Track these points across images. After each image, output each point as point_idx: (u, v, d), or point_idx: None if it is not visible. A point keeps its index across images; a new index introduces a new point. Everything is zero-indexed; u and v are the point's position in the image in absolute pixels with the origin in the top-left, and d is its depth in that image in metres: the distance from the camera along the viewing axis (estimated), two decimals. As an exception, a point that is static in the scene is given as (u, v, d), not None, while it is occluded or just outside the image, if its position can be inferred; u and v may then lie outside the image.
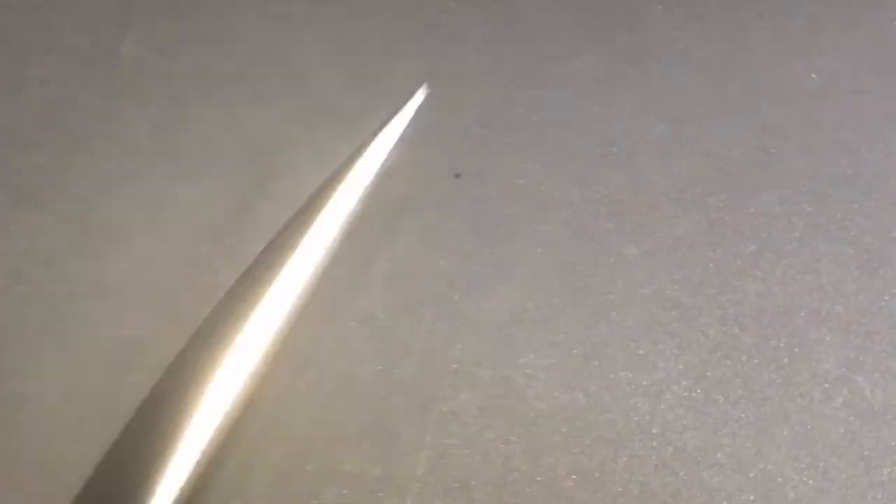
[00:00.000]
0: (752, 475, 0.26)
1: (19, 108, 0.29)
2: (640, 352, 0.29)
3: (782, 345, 0.28)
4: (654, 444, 0.27)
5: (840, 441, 0.27)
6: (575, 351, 0.29)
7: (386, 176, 0.30)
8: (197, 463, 0.21)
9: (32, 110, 0.29)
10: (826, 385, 0.28)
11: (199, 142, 0.29)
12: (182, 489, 0.21)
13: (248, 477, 0.25)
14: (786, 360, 0.28)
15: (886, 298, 0.29)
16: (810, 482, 0.25)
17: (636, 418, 0.27)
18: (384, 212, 0.30)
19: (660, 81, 0.33)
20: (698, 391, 0.28)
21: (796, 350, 0.28)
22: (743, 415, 0.27)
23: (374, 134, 0.27)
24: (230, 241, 0.28)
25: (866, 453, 0.26)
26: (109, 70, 0.29)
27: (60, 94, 0.29)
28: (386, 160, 0.26)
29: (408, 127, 0.31)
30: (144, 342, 0.26)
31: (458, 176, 0.30)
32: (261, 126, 0.30)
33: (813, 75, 0.34)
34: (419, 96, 0.28)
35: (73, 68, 0.29)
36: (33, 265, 0.27)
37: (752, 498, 0.25)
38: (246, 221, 0.29)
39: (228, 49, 0.30)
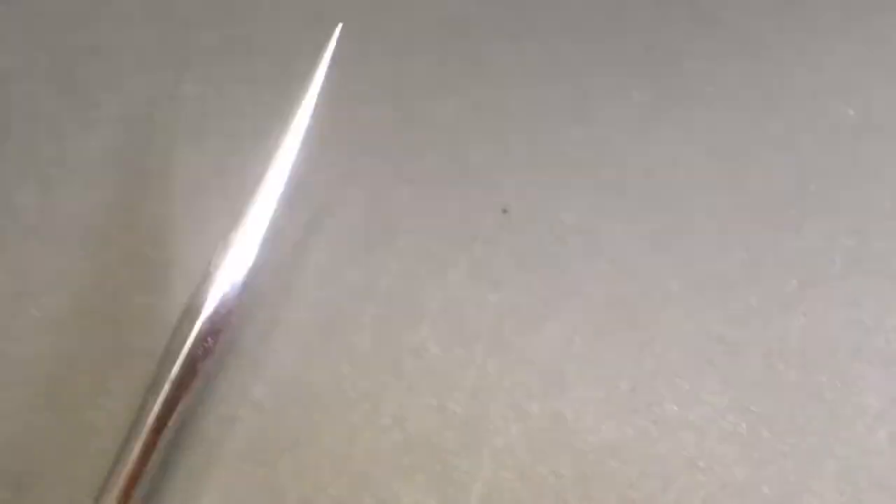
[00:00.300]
0: (797, 508, 0.27)
1: (87, 147, 0.30)
2: (686, 386, 0.29)
3: (825, 379, 0.29)
4: (702, 477, 0.27)
5: (884, 474, 0.28)
6: (622, 385, 0.29)
7: (434, 212, 0.31)
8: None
9: (99, 149, 0.31)
10: (869, 419, 0.28)
11: (254, 181, 0.30)
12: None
13: None
14: (829, 395, 0.29)
15: (929, 334, 0.29)
16: (856, 516, 0.26)
17: (683, 452, 0.28)
18: (434, 247, 0.31)
19: (702, 118, 0.34)
20: (743, 425, 0.29)
21: (839, 384, 0.29)
22: (787, 449, 0.28)
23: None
24: (286, 278, 0.30)
25: (911, 488, 0.27)
26: (170, 109, 0.30)
27: (125, 133, 0.30)
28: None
29: (455, 162, 0.32)
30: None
31: (505, 211, 0.31)
32: (313, 163, 0.31)
33: (850, 111, 0.35)
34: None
35: (136, 108, 0.30)
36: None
37: (799, 531, 0.26)
38: (301, 255, 0.30)
39: (284, 88, 0.31)
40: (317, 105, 0.28)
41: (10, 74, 0.30)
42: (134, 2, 0.32)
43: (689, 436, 0.28)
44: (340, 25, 0.27)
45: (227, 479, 0.26)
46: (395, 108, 0.32)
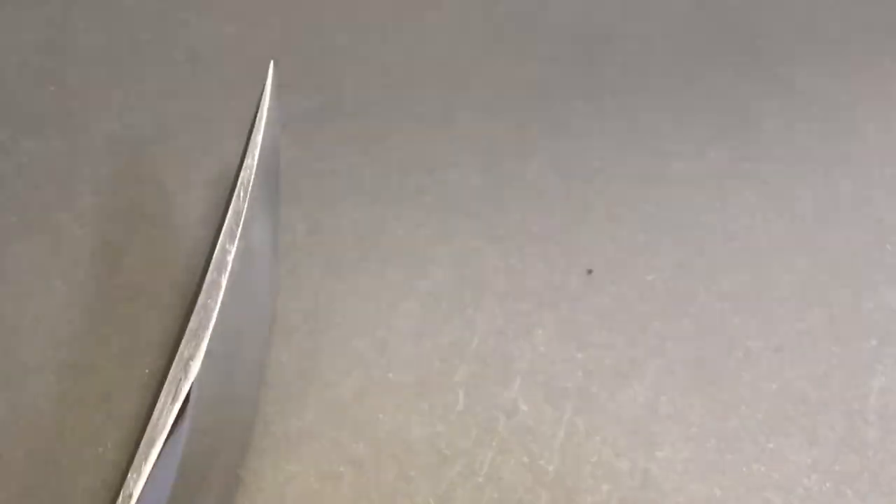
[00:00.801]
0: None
1: (186, 207, 0.32)
2: (771, 445, 0.31)
3: (906, 438, 0.30)
4: (789, 537, 0.28)
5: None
6: (708, 444, 0.31)
7: (522, 272, 0.32)
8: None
9: (197, 209, 0.33)
10: (952, 478, 0.29)
11: (351, 240, 0.32)
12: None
13: None
14: (912, 455, 0.30)
15: None
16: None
17: (771, 512, 0.29)
18: (521, 306, 0.32)
19: (778, 178, 0.35)
20: (828, 485, 0.30)
21: (920, 444, 0.30)
22: (871, 508, 0.29)
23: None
24: (381, 335, 0.31)
25: None
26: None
27: (220, 193, 0.32)
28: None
29: (540, 222, 0.33)
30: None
31: (590, 272, 0.33)
32: (405, 223, 0.32)
33: (924, 169, 0.36)
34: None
35: (231, 169, 0.32)
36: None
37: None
38: (395, 317, 0.32)
39: (374, 150, 0.32)
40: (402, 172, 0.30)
41: (117, 138, 0.32)
42: (233, 72, 0.33)
43: (775, 495, 0.29)
44: (272, 63, 0.28)
45: None
46: (482, 169, 0.34)
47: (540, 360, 0.31)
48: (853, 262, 0.34)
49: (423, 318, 0.32)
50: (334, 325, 0.31)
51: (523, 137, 0.34)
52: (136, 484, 0.21)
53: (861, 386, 0.31)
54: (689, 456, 0.30)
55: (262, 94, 0.27)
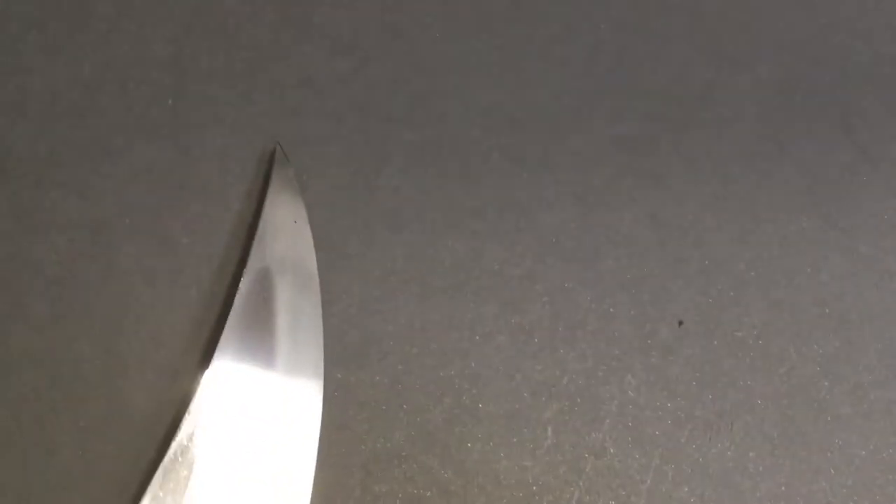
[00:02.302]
0: None
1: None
2: (860, 512, 0.31)
3: None
4: None
5: None
6: (797, 505, 0.31)
7: (613, 316, 0.34)
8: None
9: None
10: None
11: (447, 270, 0.34)
12: None
13: None
14: None
15: None
16: None
17: (860, 579, 0.30)
18: (613, 350, 0.33)
19: (869, 247, 0.37)
20: (916, 555, 0.30)
21: None
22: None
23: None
24: (473, 365, 0.33)
25: None
26: (370, 198, 0.34)
27: (327, 216, 0.34)
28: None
29: (633, 270, 0.35)
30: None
31: (681, 324, 0.34)
32: (500, 259, 0.34)
33: None
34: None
35: (339, 195, 0.34)
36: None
37: None
38: (487, 349, 0.33)
39: (472, 186, 0.35)
40: (500, 210, 0.32)
41: (228, 153, 0.35)
42: (342, 98, 0.36)
43: (863, 563, 0.30)
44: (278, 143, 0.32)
45: None
46: (577, 216, 0.36)
47: (629, 404, 0.33)
48: (944, 335, 0.35)
49: (514, 352, 0.33)
50: (427, 351, 0.32)
51: (618, 189, 0.37)
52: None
53: (951, 459, 0.32)
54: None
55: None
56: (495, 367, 0.32)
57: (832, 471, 0.32)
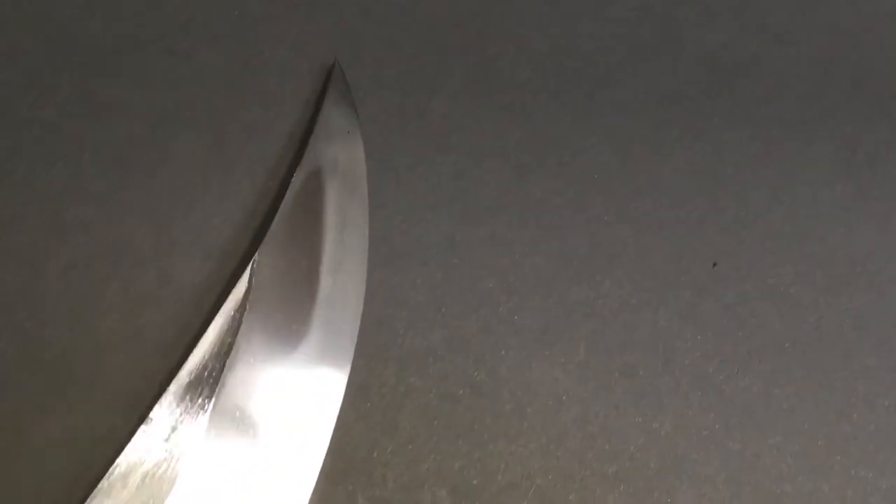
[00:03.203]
0: None
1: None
2: (880, 457, 0.33)
3: None
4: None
5: None
6: (819, 443, 0.33)
7: (650, 251, 0.36)
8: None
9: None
10: None
11: (491, 191, 0.35)
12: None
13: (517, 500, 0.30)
14: None
15: None
16: None
17: (875, 516, 0.31)
18: (648, 283, 0.35)
19: (901, 217, 0.39)
20: (936, 503, 0.32)
21: None
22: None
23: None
24: (511, 281, 0.34)
25: None
26: (420, 121, 0.37)
27: (378, 133, 0.36)
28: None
29: (673, 212, 0.37)
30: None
31: (715, 265, 0.36)
32: (543, 188, 0.36)
33: None
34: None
35: (391, 114, 0.36)
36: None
37: None
38: (526, 268, 0.35)
39: (520, 120, 0.37)
40: (545, 145, 0.34)
41: (288, 64, 0.37)
42: (400, 28, 0.38)
43: (880, 502, 0.32)
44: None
45: (441, 453, 0.30)
46: (619, 159, 0.38)
47: (660, 333, 0.34)
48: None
49: (552, 274, 0.35)
50: (467, 263, 0.34)
51: (661, 139, 0.39)
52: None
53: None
54: (799, 450, 0.32)
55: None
56: (532, 285, 0.34)
57: (854, 415, 0.33)
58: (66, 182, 0.32)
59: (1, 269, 0.30)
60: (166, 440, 0.26)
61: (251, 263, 0.29)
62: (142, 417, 0.27)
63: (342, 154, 0.34)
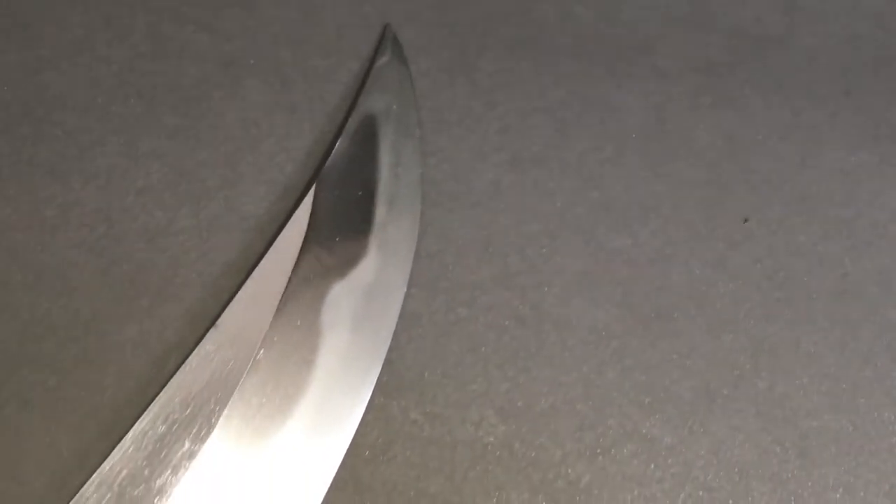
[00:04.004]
0: None
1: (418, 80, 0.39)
2: (898, 397, 0.35)
3: None
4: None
5: None
6: (844, 386, 0.35)
7: (684, 204, 0.38)
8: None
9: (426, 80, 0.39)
10: None
11: (533, 145, 0.38)
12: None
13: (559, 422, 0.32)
14: None
15: None
16: None
17: (900, 453, 0.33)
18: (681, 235, 0.38)
19: (922, 188, 0.41)
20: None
21: None
22: None
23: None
24: (552, 226, 0.36)
25: None
26: (468, 78, 0.39)
27: (428, 86, 0.38)
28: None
29: (706, 171, 0.39)
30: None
31: (746, 221, 0.39)
32: (581, 142, 0.39)
33: None
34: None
35: (441, 70, 0.39)
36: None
37: None
38: (567, 215, 0.37)
39: (561, 81, 0.39)
40: (586, 104, 0.37)
41: (345, 23, 0.40)
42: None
43: (901, 443, 0.34)
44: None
45: (488, 377, 0.33)
46: (654, 118, 0.40)
47: (695, 281, 0.36)
48: None
49: (591, 222, 0.37)
50: (512, 209, 0.36)
51: (694, 104, 0.41)
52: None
53: None
54: (825, 391, 0.34)
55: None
56: (573, 231, 0.36)
57: (878, 363, 0.36)
58: (141, 115, 0.35)
59: (82, 189, 0.33)
60: (231, 344, 0.28)
61: (311, 190, 0.32)
62: (210, 325, 0.29)
63: (395, 103, 0.36)
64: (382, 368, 0.31)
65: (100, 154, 0.33)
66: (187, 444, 0.25)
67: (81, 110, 0.34)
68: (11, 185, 0.32)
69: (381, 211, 0.32)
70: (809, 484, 0.31)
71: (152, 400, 0.27)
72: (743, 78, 0.41)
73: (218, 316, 0.29)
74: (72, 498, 0.25)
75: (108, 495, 0.24)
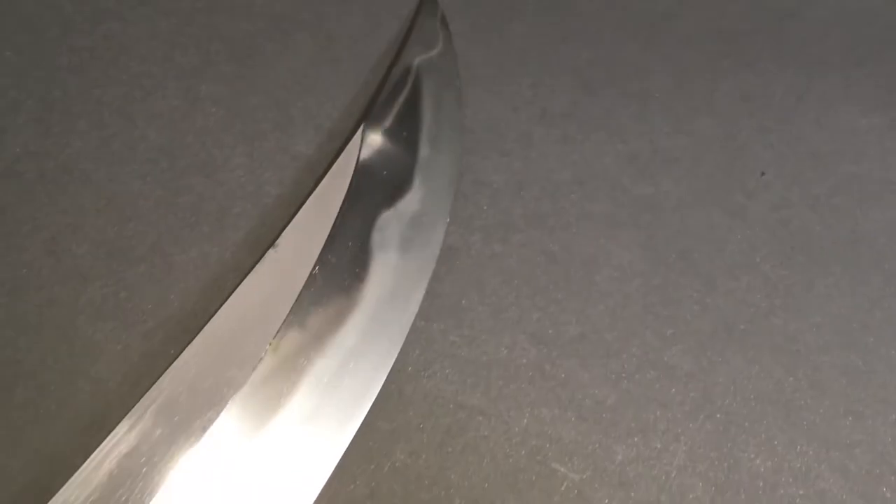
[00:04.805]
0: None
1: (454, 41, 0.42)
2: (909, 341, 0.37)
3: None
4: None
5: None
6: (854, 325, 0.37)
7: (703, 157, 0.41)
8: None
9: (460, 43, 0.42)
10: None
11: (563, 100, 0.41)
12: None
13: (586, 348, 0.34)
14: None
15: None
16: None
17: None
18: (703, 186, 0.40)
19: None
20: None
21: None
22: None
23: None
24: (580, 174, 0.39)
25: None
26: (501, 39, 0.42)
27: (466, 45, 0.41)
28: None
29: (726, 128, 0.42)
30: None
31: (763, 174, 0.41)
32: (609, 100, 0.41)
33: None
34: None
35: (476, 31, 0.42)
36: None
37: None
38: (595, 166, 0.40)
39: (588, 45, 0.42)
40: (610, 66, 0.40)
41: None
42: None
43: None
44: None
45: (521, 306, 0.35)
46: (676, 81, 0.43)
47: (713, 228, 0.39)
48: None
49: (617, 171, 0.40)
50: (542, 158, 0.39)
51: (714, 67, 0.44)
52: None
53: None
54: (836, 329, 0.37)
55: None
56: (600, 180, 0.39)
57: (887, 305, 0.38)
58: (198, 64, 0.38)
59: (146, 128, 0.36)
60: (289, 262, 0.31)
61: (360, 129, 0.35)
62: (266, 249, 0.32)
63: (436, 57, 0.39)
64: (423, 296, 0.33)
65: (161, 97, 0.36)
66: (252, 347, 0.28)
67: (143, 58, 0.37)
68: (83, 122, 0.35)
69: (424, 150, 0.35)
70: (821, 411, 0.34)
71: (215, 312, 0.30)
72: (760, 46, 0.44)
73: (274, 241, 0.32)
74: (146, 392, 0.27)
75: (181, 389, 0.27)
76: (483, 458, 0.30)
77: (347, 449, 0.29)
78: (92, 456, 0.25)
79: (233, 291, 0.30)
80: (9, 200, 0.33)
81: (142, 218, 0.33)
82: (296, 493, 0.27)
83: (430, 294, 0.34)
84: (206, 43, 0.38)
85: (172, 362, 0.28)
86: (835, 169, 0.41)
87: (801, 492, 0.32)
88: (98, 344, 0.30)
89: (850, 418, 0.34)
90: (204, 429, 0.26)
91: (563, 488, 0.30)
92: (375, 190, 0.33)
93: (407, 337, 0.32)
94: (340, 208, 0.31)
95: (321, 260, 0.30)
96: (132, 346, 0.30)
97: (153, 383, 0.27)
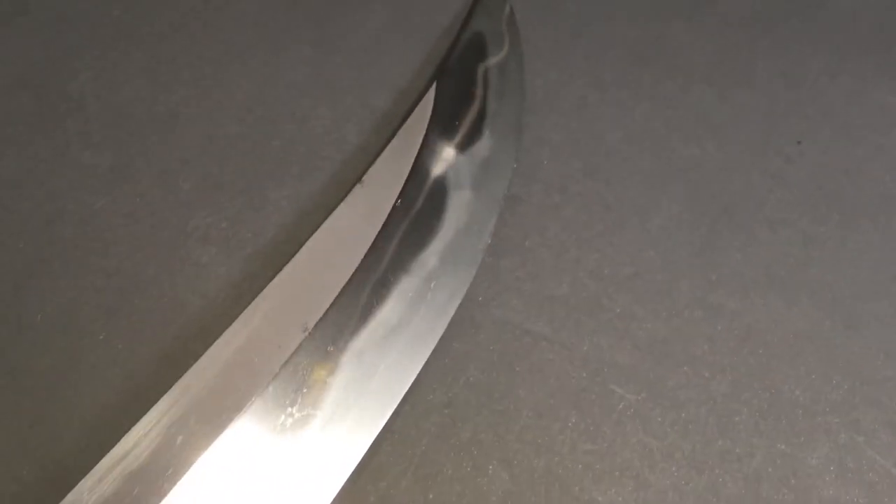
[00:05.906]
0: None
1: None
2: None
3: None
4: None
5: None
6: (883, 277, 0.41)
7: (743, 124, 0.45)
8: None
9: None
10: None
11: (613, 73, 0.45)
12: None
13: (639, 286, 0.38)
14: None
15: None
16: None
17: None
18: (742, 154, 0.44)
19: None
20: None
21: None
22: None
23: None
24: (624, 134, 0.43)
25: None
26: (557, 14, 0.46)
27: (526, 21, 0.45)
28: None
29: (761, 99, 0.46)
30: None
31: (799, 143, 0.45)
32: (655, 71, 0.45)
33: None
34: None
35: (534, 7, 0.46)
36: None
37: None
38: (637, 127, 0.44)
39: (637, 23, 0.46)
40: (656, 41, 0.43)
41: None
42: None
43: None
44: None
45: (580, 247, 0.39)
46: (717, 58, 0.47)
47: (754, 187, 0.42)
48: None
49: (665, 134, 0.43)
50: (597, 118, 0.43)
51: (753, 45, 0.47)
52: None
53: None
54: (867, 279, 0.40)
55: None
56: (649, 141, 0.43)
57: (913, 261, 0.41)
58: (285, 27, 0.42)
59: (241, 80, 0.40)
60: (373, 196, 0.35)
61: (433, 84, 0.39)
62: (351, 186, 0.36)
63: (501, 26, 0.43)
64: (491, 236, 0.37)
65: (251, 56, 0.40)
66: (343, 260, 0.32)
67: (238, 20, 0.41)
68: (185, 73, 0.39)
69: (492, 103, 0.39)
70: (855, 350, 0.37)
71: (306, 240, 0.34)
72: (795, 28, 0.48)
73: (360, 177, 0.36)
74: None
75: (281, 302, 0.31)
76: (548, 377, 0.34)
77: (426, 365, 0.32)
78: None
79: (323, 221, 0.34)
80: (122, 138, 0.36)
81: (240, 157, 0.37)
82: (384, 394, 0.30)
83: (497, 236, 0.37)
84: (292, 9, 0.42)
85: (272, 279, 0.31)
86: (865, 139, 0.44)
87: (836, 420, 0.35)
88: (205, 266, 0.34)
89: (882, 356, 0.37)
90: (305, 329, 0.29)
91: (620, 406, 0.34)
92: (449, 137, 0.37)
93: (477, 271, 0.36)
94: (419, 150, 0.35)
95: (403, 194, 0.34)
96: (234, 268, 0.34)
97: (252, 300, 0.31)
